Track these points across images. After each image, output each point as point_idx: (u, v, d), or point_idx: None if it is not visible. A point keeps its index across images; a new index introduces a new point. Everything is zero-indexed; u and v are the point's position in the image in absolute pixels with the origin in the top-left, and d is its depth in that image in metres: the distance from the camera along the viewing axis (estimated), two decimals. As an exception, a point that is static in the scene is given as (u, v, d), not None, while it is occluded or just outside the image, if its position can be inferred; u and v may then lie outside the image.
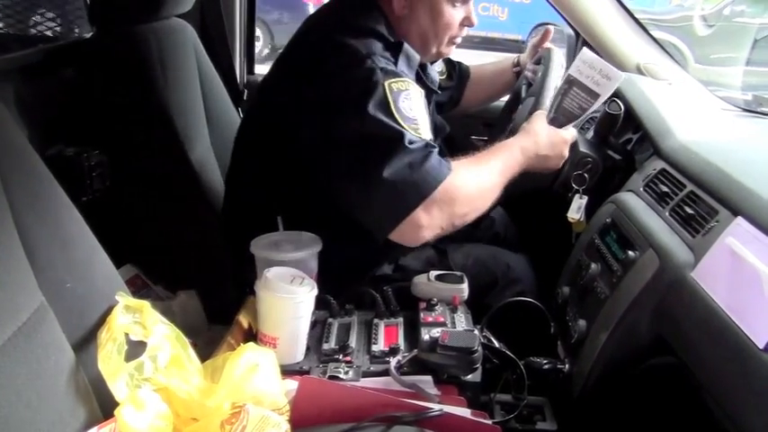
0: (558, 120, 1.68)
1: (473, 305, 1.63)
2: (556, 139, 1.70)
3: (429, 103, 1.87)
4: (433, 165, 1.51)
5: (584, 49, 1.61)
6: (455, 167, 1.55)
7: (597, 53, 2.18)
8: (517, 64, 2.19)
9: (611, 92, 1.61)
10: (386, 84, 1.54)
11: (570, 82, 1.61)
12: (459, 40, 1.81)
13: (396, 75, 1.58)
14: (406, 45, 1.69)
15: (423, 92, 1.65)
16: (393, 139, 1.50)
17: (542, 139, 1.68)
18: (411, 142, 1.50)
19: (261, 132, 1.74)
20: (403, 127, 1.51)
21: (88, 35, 2.03)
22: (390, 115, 1.52)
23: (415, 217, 1.50)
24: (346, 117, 1.55)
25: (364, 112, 1.51)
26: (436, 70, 2.12)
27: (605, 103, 1.73)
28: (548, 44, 2.07)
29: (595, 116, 2.04)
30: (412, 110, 1.55)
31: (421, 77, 1.79)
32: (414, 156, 1.50)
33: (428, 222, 1.52)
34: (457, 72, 2.25)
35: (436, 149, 1.54)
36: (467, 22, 1.77)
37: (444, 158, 1.55)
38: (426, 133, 1.57)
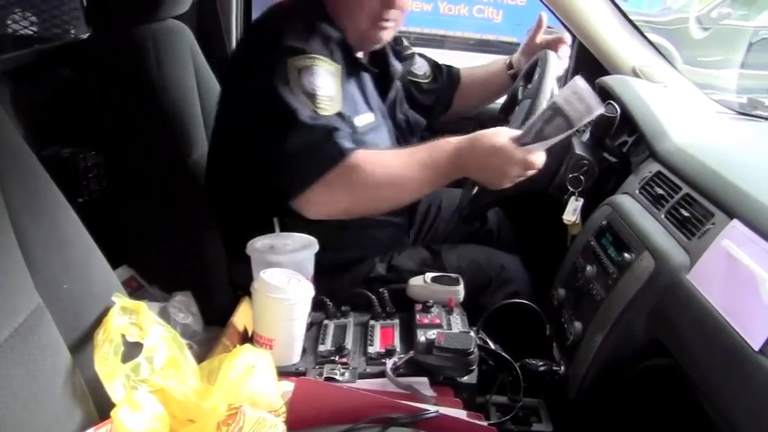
0: (523, 138, 1.56)
1: (467, 306, 1.64)
2: (504, 153, 1.55)
3: (387, 90, 1.93)
4: (334, 145, 1.56)
5: (578, 78, 1.51)
6: (366, 152, 1.60)
7: (593, 55, 2.20)
8: (511, 65, 2.19)
9: (585, 123, 1.53)
10: (290, 60, 1.61)
11: (556, 110, 1.50)
12: (389, 24, 1.79)
13: (302, 52, 1.63)
14: (322, 24, 1.72)
15: (337, 68, 1.69)
16: (292, 114, 1.56)
17: (485, 148, 1.57)
18: (313, 118, 1.56)
19: (239, 133, 1.76)
20: (303, 103, 1.58)
21: (85, 36, 2.03)
22: (291, 91, 1.58)
23: (313, 193, 1.57)
24: (258, 94, 1.63)
25: (269, 88, 1.59)
26: (419, 72, 2.14)
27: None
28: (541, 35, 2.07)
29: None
30: (317, 86, 1.60)
31: (353, 58, 1.81)
32: (314, 133, 1.56)
33: (327, 200, 1.59)
34: (445, 75, 2.24)
35: (341, 130, 1.59)
36: (389, 3, 1.74)
37: (351, 143, 1.60)
38: (330, 109, 1.61)
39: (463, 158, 1.59)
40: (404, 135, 1.99)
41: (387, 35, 1.82)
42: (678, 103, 2.02)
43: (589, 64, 2.24)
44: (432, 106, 2.21)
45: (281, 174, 1.61)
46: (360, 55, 1.87)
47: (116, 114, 1.80)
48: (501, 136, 1.56)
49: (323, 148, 1.56)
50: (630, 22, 2.19)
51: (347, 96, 1.73)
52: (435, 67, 2.24)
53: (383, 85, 1.93)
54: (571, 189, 1.80)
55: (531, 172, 1.59)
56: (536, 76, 1.84)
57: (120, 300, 1.17)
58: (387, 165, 1.61)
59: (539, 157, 1.57)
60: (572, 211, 1.80)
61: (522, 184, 1.66)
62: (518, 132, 1.56)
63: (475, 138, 1.59)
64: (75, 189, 1.70)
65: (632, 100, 1.86)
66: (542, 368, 1.57)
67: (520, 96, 1.99)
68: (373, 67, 1.90)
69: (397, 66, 1.98)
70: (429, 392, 1.36)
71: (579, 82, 1.46)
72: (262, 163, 1.64)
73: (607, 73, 2.16)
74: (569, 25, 2.22)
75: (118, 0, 1.87)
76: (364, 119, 1.79)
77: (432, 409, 1.26)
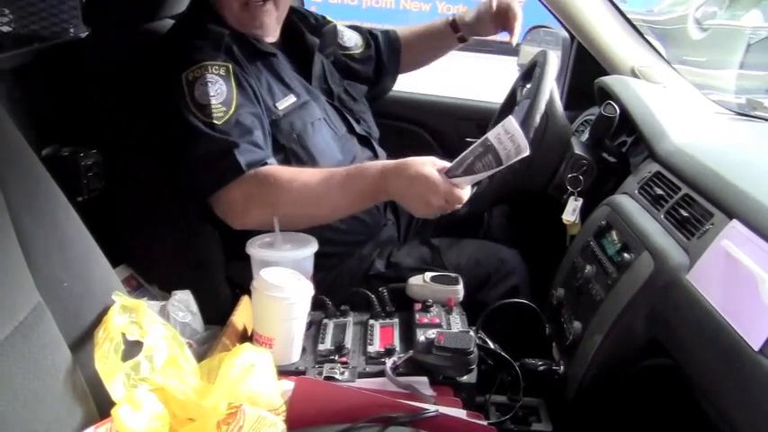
0: (453, 171, 1.53)
1: (467, 302, 1.64)
2: (428, 182, 1.52)
3: (309, 66, 1.94)
4: (232, 160, 1.61)
5: (510, 117, 1.48)
6: (279, 169, 1.65)
7: (592, 56, 2.20)
8: (453, 22, 2.17)
9: (512, 162, 1.50)
10: (183, 75, 1.67)
11: (487, 147, 1.48)
12: (265, 8, 1.80)
13: (192, 63, 1.68)
14: (210, 24, 1.76)
15: (228, 68, 1.70)
16: (189, 130, 1.63)
17: (410, 175, 1.54)
18: (210, 129, 1.62)
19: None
20: (197, 116, 1.63)
21: (83, 35, 2.02)
22: (186, 106, 1.65)
23: (222, 205, 1.67)
24: (164, 110, 1.72)
25: (168, 105, 1.68)
26: (350, 44, 2.16)
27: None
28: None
29: (590, 118, 2.05)
30: (210, 95, 1.65)
31: (253, 48, 1.82)
32: (212, 144, 1.62)
33: (240, 212, 1.65)
34: (382, 42, 2.23)
35: (241, 145, 1.62)
36: None
37: (262, 152, 1.64)
38: (226, 115, 1.64)
39: (388, 182, 1.58)
40: (345, 104, 2.00)
41: (267, 18, 1.82)
42: (677, 104, 2.02)
43: (588, 64, 2.24)
44: (373, 76, 2.21)
45: (184, 184, 1.70)
46: (271, 40, 1.89)
47: (115, 113, 1.79)
48: (428, 165, 1.54)
49: (220, 163, 1.61)
50: (629, 22, 2.19)
51: (262, 86, 1.77)
52: (368, 33, 2.23)
53: (306, 62, 1.95)
54: (570, 189, 1.80)
55: (456, 206, 1.57)
56: (535, 76, 1.84)
57: (121, 298, 1.17)
58: (300, 184, 1.62)
59: (464, 192, 1.55)
60: (571, 211, 1.80)
61: (522, 184, 1.66)
62: (448, 164, 1.54)
63: (402, 163, 1.57)
64: (75, 188, 1.70)
65: (631, 100, 1.86)
66: (542, 368, 1.57)
67: (519, 97, 1.99)
68: (291, 48, 1.93)
69: (313, 39, 1.98)
70: (428, 392, 1.36)
71: (513, 121, 1.45)
72: None
73: (606, 73, 2.16)
74: (568, 25, 2.22)
75: (116, 0, 1.87)
76: (285, 101, 1.81)
77: (431, 408, 1.26)
